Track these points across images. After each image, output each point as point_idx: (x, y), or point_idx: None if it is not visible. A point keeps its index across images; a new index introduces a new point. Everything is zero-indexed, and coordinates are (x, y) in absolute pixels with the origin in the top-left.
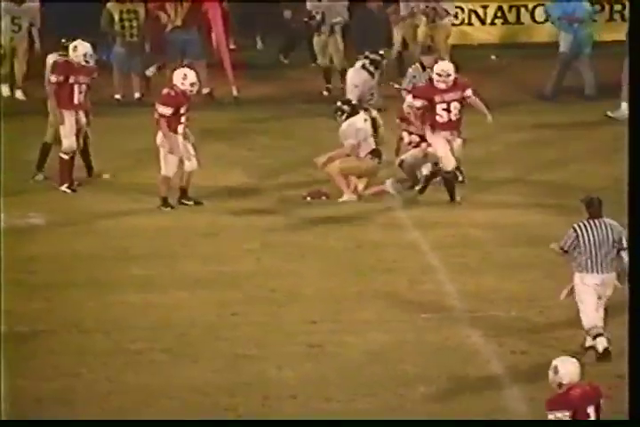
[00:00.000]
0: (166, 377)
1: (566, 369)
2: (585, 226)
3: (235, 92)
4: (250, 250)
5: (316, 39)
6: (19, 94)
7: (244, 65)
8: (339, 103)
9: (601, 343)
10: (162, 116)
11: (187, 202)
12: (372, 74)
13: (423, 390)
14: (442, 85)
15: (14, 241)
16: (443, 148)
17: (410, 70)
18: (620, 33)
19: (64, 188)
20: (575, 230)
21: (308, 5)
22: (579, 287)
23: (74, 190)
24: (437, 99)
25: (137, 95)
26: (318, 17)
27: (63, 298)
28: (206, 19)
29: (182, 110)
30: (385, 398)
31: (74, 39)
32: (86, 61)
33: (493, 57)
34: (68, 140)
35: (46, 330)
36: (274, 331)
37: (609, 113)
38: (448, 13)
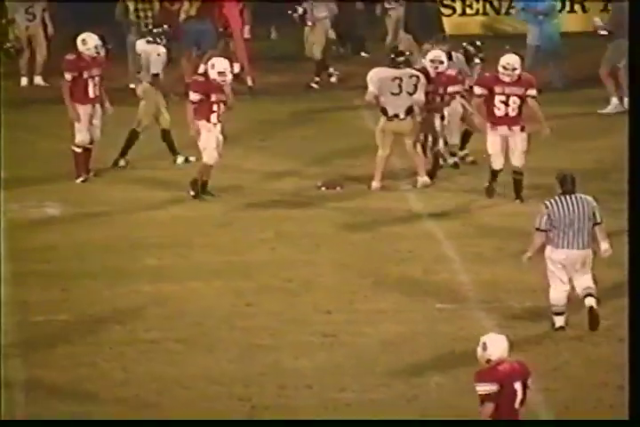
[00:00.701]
0: (181, 367)
1: (495, 346)
2: (557, 202)
3: (249, 83)
4: (264, 240)
5: (305, 30)
6: (38, 80)
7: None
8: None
9: (558, 321)
10: (190, 102)
11: (204, 196)
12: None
13: (437, 380)
14: (506, 78)
15: (30, 231)
16: (493, 146)
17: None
18: (581, 24)
19: (79, 180)
20: (547, 207)
21: None
22: (548, 262)
23: (84, 181)
24: (498, 90)
25: None
26: (300, 10)
27: (78, 288)
28: (222, 10)
29: (213, 98)
30: (399, 389)
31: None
32: (97, 53)
33: (507, 47)
34: (81, 134)
35: (62, 320)
36: (289, 321)
37: (599, 111)
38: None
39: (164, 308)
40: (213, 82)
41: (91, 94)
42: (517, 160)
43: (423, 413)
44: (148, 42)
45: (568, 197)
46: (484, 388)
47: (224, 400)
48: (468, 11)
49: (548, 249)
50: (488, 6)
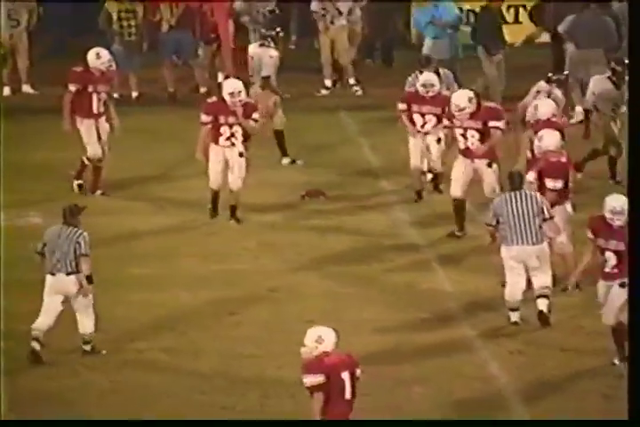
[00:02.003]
0: (165, 376)
1: (329, 338)
2: (502, 198)
3: None
4: (248, 249)
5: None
6: (26, 88)
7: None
8: None
9: (513, 317)
10: (201, 123)
11: (230, 220)
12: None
13: (419, 390)
14: (460, 116)
15: (14, 240)
16: (454, 173)
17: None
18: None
19: (76, 184)
20: (492, 203)
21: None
22: (504, 259)
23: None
24: (457, 123)
25: (135, 94)
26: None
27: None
28: (205, 18)
29: (222, 120)
30: (382, 398)
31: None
32: (110, 66)
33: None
34: (92, 147)
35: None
36: (272, 330)
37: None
38: (341, 13)
39: (149, 317)
40: (224, 104)
41: (94, 109)
42: (490, 192)
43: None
44: (261, 45)
45: (515, 193)
46: (311, 379)
47: (207, 409)
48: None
49: (502, 246)
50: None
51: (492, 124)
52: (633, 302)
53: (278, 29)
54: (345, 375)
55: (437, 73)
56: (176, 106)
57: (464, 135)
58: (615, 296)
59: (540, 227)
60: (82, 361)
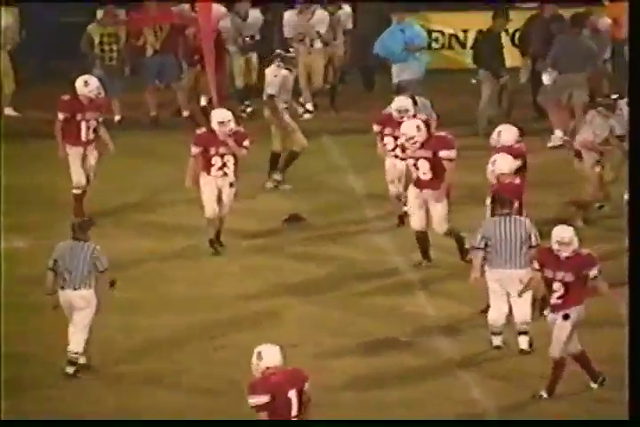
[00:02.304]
0: (149, 400)
1: (270, 354)
2: (492, 222)
3: None
4: (232, 273)
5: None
6: (9, 111)
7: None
8: None
9: (495, 341)
10: (192, 155)
11: (214, 246)
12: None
13: (404, 413)
14: (412, 147)
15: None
16: (410, 205)
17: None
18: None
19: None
20: (482, 226)
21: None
22: (488, 282)
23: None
24: (408, 153)
25: (117, 118)
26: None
27: (44, 320)
28: (186, 41)
29: (212, 151)
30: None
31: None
32: (99, 93)
33: (474, 81)
34: (76, 175)
35: (27, 352)
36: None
37: (549, 144)
38: (320, 36)
39: (132, 340)
40: (214, 134)
41: (83, 137)
42: (437, 226)
43: None
44: (277, 66)
45: (504, 218)
46: (255, 400)
47: None
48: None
49: (487, 269)
50: (454, 40)
51: (442, 153)
52: (633, 301)
53: (291, 50)
54: (292, 394)
55: (414, 100)
56: (158, 129)
57: (415, 165)
58: (559, 330)
59: (526, 253)
60: (64, 384)
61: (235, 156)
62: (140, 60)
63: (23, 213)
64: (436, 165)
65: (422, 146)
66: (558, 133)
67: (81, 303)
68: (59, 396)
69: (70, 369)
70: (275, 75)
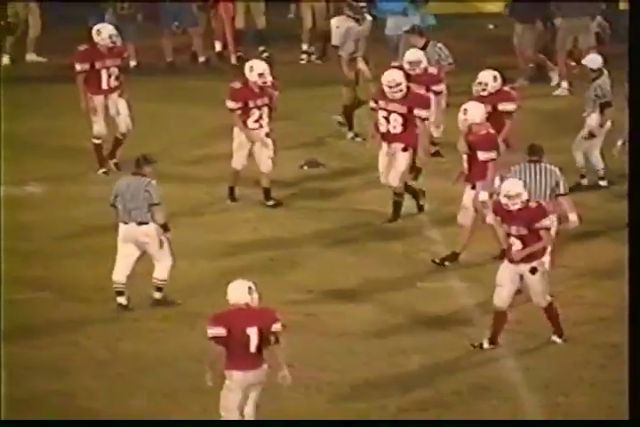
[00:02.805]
0: (163, 345)
1: (234, 290)
2: (521, 168)
3: (233, 61)
4: (248, 220)
5: None
6: (31, 57)
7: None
8: None
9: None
10: (230, 110)
11: (267, 202)
12: None
13: (418, 359)
14: (390, 95)
15: (11, 209)
16: (380, 162)
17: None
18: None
19: (100, 172)
20: (510, 171)
21: None
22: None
23: (106, 173)
24: (381, 104)
25: (133, 63)
26: None
27: (59, 266)
28: None
29: (251, 104)
30: (380, 368)
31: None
32: (113, 42)
33: (491, 26)
34: (97, 125)
35: (43, 298)
36: (271, 300)
37: (554, 93)
38: None
39: (146, 286)
40: (249, 88)
41: (104, 85)
42: (391, 179)
43: (405, 391)
44: (347, 15)
45: (533, 165)
46: (211, 331)
47: (202, 378)
48: None
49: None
50: None
51: (417, 112)
52: (633, 301)
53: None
54: (251, 331)
55: (426, 45)
56: (175, 74)
57: (387, 118)
58: (533, 284)
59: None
60: (79, 331)
61: (270, 107)
62: (156, 6)
63: (37, 159)
64: (408, 122)
65: (399, 100)
66: (564, 85)
67: (143, 238)
68: (72, 341)
69: (157, 295)
70: (337, 26)
